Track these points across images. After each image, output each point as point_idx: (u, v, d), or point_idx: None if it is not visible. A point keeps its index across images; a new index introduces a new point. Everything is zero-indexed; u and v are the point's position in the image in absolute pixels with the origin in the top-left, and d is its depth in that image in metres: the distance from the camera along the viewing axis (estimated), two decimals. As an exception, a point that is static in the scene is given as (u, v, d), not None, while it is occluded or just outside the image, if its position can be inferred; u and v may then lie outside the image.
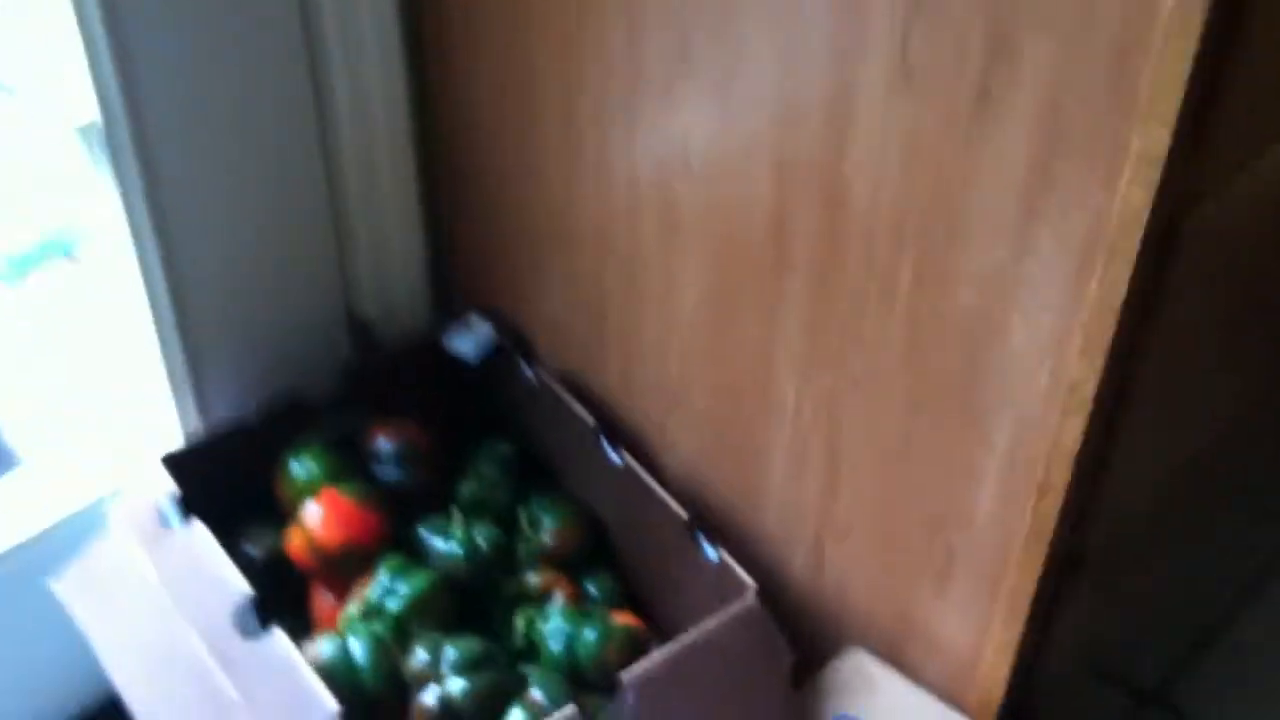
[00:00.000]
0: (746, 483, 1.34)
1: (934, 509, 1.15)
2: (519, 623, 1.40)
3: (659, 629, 1.40)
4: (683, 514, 1.32)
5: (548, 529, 1.45)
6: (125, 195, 1.29)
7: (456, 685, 1.21)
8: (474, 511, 1.48)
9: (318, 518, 1.35)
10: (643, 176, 1.25)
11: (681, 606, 1.38)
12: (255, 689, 1.18)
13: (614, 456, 1.40)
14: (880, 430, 1.16)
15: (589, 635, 1.31)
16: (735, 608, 1.22)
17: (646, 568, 1.42)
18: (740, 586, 1.26)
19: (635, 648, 1.31)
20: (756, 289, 1.20)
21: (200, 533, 1.28)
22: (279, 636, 1.19)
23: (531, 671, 1.34)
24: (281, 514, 1.43)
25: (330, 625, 1.38)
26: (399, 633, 1.29)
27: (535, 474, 1.54)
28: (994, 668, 1.18)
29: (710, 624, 1.21)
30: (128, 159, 1.26)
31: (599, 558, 1.47)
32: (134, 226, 1.31)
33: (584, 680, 1.32)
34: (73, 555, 1.34)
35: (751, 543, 1.37)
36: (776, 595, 1.30)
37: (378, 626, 1.28)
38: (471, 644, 1.24)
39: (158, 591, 1.27)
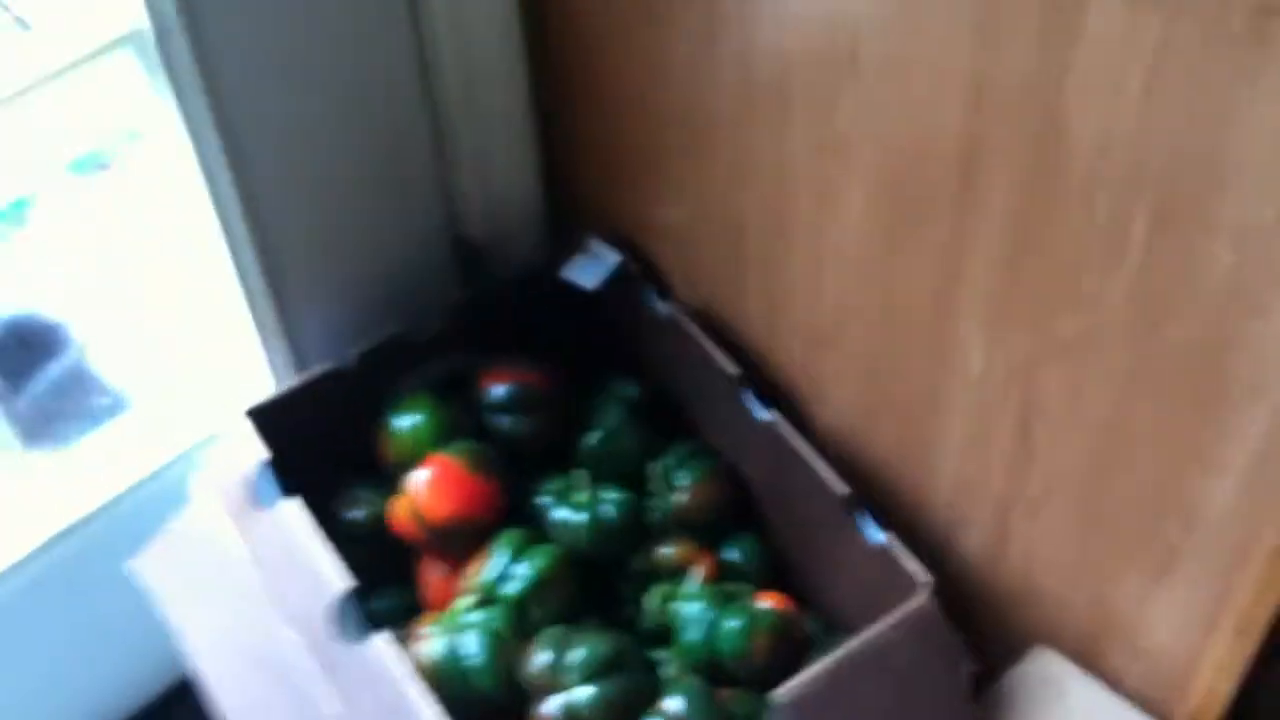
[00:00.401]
0: (913, 445, 1.14)
1: (1154, 497, 0.94)
2: (652, 602, 1.23)
3: (811, 608, 1.22)
4: (841, 488, 1.13)
5: (684, 485, 1.26)
6: (187, 114, 1.11)
7: (583, 695, 1.05)
8: (598, 466, 1.30)
9: (425, 487, 1.19)
10: (795, 75, 1.03)
11: (837, 588, 1.20)
12: (355, 699, 1.04)
13: (759, 411, 1.21)
14: (1091, 403, 0.95)
15: (732, 623, 1.14)
16: (906, 608, 1.03)
17: (796, 539, 1.24)
18: (909, 580, 1.07)
19: (784, 636, 1.14)
20: (935, 224, 0.98)
21: (297, 514, 1.13)
22: (381, 642, 1.04)
23: (669, 675, 1.18)
24: (384, 472, 1.28)
25: (442, 601, 1.23)
26: (518, 621, 1.13)
27: (667, 421, 1.35)
28: (1212, 686, 0.98)
29: (876, 628, 1.02)
30: (186, 69, 1.08)
31: (742, 522, 1.29)
32: (199, 148, 1.13)
33: (725, 672, 1.15)
34: (151, 523, 1.21)
35: (916, 511, 1.18)
36: (947, 578, 1.10)
37: (494, 618, 1.13)
38: (601, 643, 1.07)
39: (249, 577, 1.13)
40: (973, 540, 1.14)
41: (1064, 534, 1.04)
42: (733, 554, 1.28)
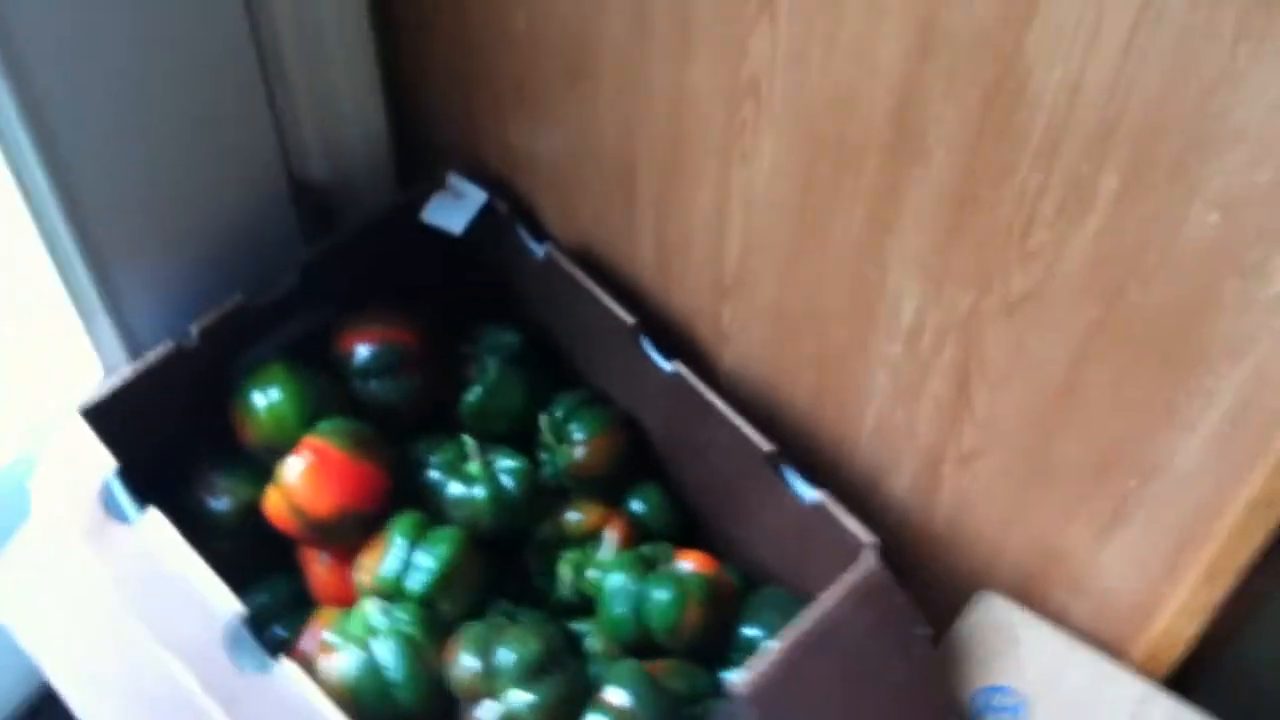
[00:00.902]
0: (830, 395, 1.07)
1: (1109, 452, 0.90)
2: (565, 572, 1.15)
3: (728, 559, 1.16)
4: (764, 444, 1.05)
5: (580, 439, 1.17)
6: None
7: (520, 700, 0.97)
8: (481, 424, 1.20)
9: (302, 479, 1.07)
10: (700, 4, 0.91)
11: (761, 544, 1.14)
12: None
13: (661, 362, 1.12)
14: (1039, 361, 0.89)
15: (660, 595, 1.07)
16: (854, 576, 0.98)
17: (708, 493, 1.17)
18: (849, 540, 1.01)
19: (715, 603, 1.08)
20: (863, 173, 0.89)
21: (162, 528, 0.99)
22: (289, 668, 0.94)
23: (593, 649, 1.11)
24: (244, 454, 1.15)
25: (332, 593, 1.12)
26: (429, 620, 1.04)
27: (550, 371, 1.25)
28: (1170, 628, 0.96)
29: (826, 602, 0.96)
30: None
31: (642, 474, 1.21)
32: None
33: (654, 644, 1.09)
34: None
35: (834, 462, 1.12)
36: (870, 526, 1.05)
37: (404, 621, 1.03)
38: (530, 641, 0.99)
39: (113, 604, 1.00)
40: (896, 489, 1.09)
41: (1000, 485, 1.00)
42: (638, 506, 1.20)
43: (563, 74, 1.07)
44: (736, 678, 0.93)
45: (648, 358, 1.12)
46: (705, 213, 1.04)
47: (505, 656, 0.99)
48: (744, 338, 1.11)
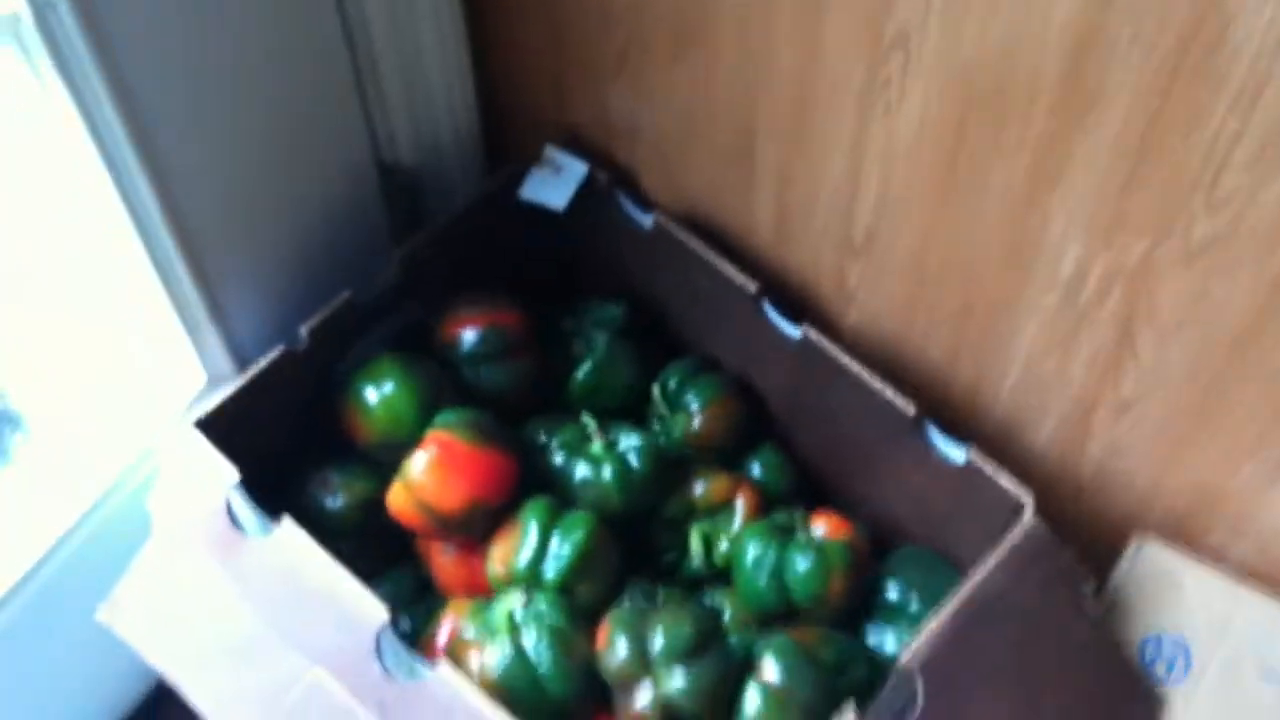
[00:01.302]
0: (969, 350, 1.04)
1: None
2: (695, 544, 1.12)
3: (861, 523, 1.13)
4: (906, 407, 1.02)
5: (695, 408, 1.14)
6: (76, 92, 0.87)
7: (675, 684, 0.94)
8: (592, 400, 1.17)
9: (429, 474, 1.03)
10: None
11: (898, 504, 1.11)
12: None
13: (787, 327, 1.08)
14: (1219, 307, 0.86)
15: (803, 565, 1.04)
16: (1014, 538, 0.95)
17: (837, 456, 1.14)
18: (1001, 499, 0.98)
19: (857, 569, 1.05)
20: (1028, 123, 0.85)
21: (297, 538, 0.96)
22: (444, 670, 0.90)
23: (731, 622, 1.08)
24: (358, 450, 1.11)
25: (459, 584, 1.09)
26: (571, 609, 1.00)
27: (655, 342, 1.21)
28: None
29: (988, 566, 0.94)
30: (71, 43, 0.84)
31: (756, 439, 1.18)
32: (94, 127, 0.89)
33: (796, 613, 1.06)
34: (108, 558, 1.02)
35: (970, 413, 1.09)
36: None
37: (549, 613, 0.99)
38: (682, 623, 0.96)
39: (246, 619, 0.96)
40: (1037, 441, 1.06)
41: (1160, 431, 0.98)
42: (757, 471, 1.17)
43: (672, 41, 1.02)
44: (903, 651, 0.91)
45: (770, 323, 1.09)
46: (835, 172, 1.00)
47: (659, 640, 0.96)
48: (872, 296, 1.07)
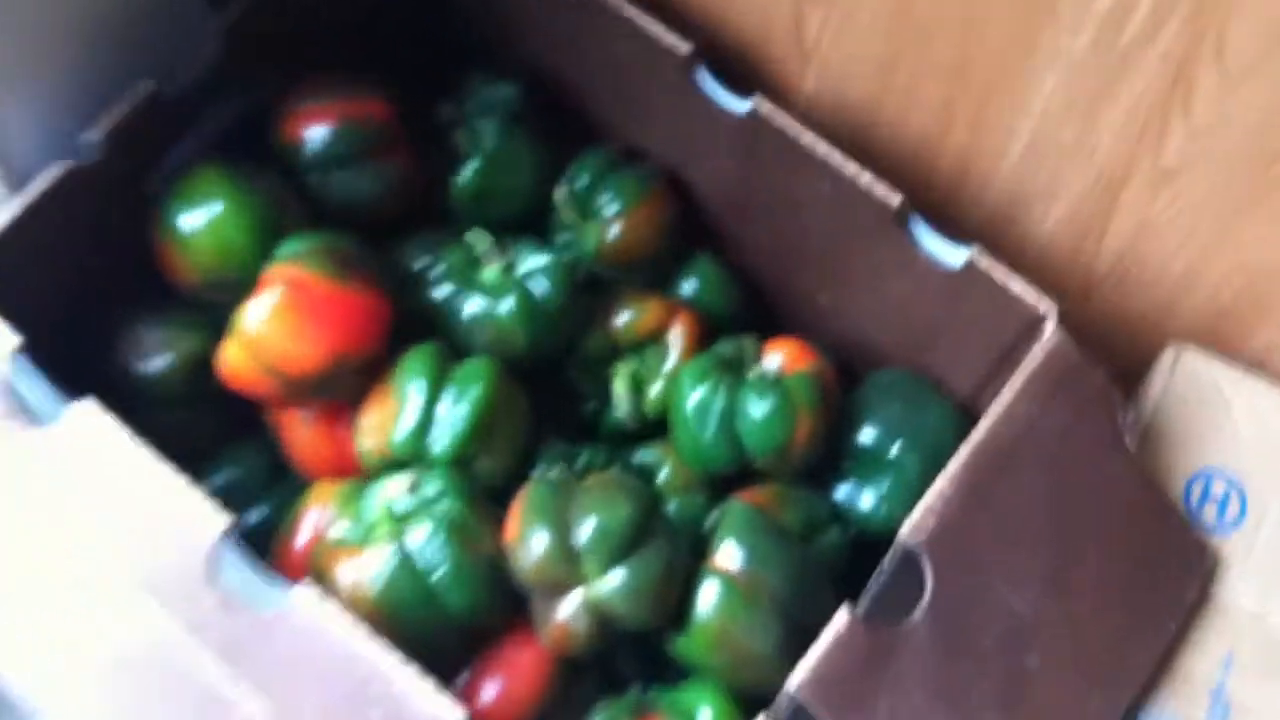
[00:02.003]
0: (961, 110, 0.80)
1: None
2: (620, 388, 0.89)
3: (824, 347, 0.91)
4: (891, 196, 0.79)
5: (613, 214, 0.90)
6: None
7: (610, 581, 0.73)
8: (480, 209, 0.92)
9: (274, 323, 0.77)
10: None
11: (869, 315, 0.89)
12: (279, 686, 0.68)
13: (731, 101, 0.83)
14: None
15: (760, 409, 0.81)
16: (1037, 359, 0.73)
17: (792, 260, 0.90)
18: (1017, 311, 0.76)
19: (827, 408, 0.83)
20: None
21: (96, 422, 0.71)
22: (300, 595, 0.68)
23: (667, 483, 0.87)
24: (178, 294, 0.86)
25: (325, 465, 0.86)
26: (470, 490, 0.78)
27: (563, 131, 0.96)
28: None
29: (1007, 400, 0.72)
30: None
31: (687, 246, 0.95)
32: None
33: (751, 469, 0.85)
34: None
35: (951, 191, 0.86)
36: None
37: (436, 495, 0.77)
38: (616, 504, 0.73)
39: (43, 537, 0.73)
40: (1041, 228, 0.84)
41: (1206, 205, 0.76)
42: (689, 288, 0.94)
43: None
44: (905, 527, 0.70)
45: (707, 96, 0.84)
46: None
47: (586, 529, 0.73)
48: (839, 52, 0.82)
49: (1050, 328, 0.75)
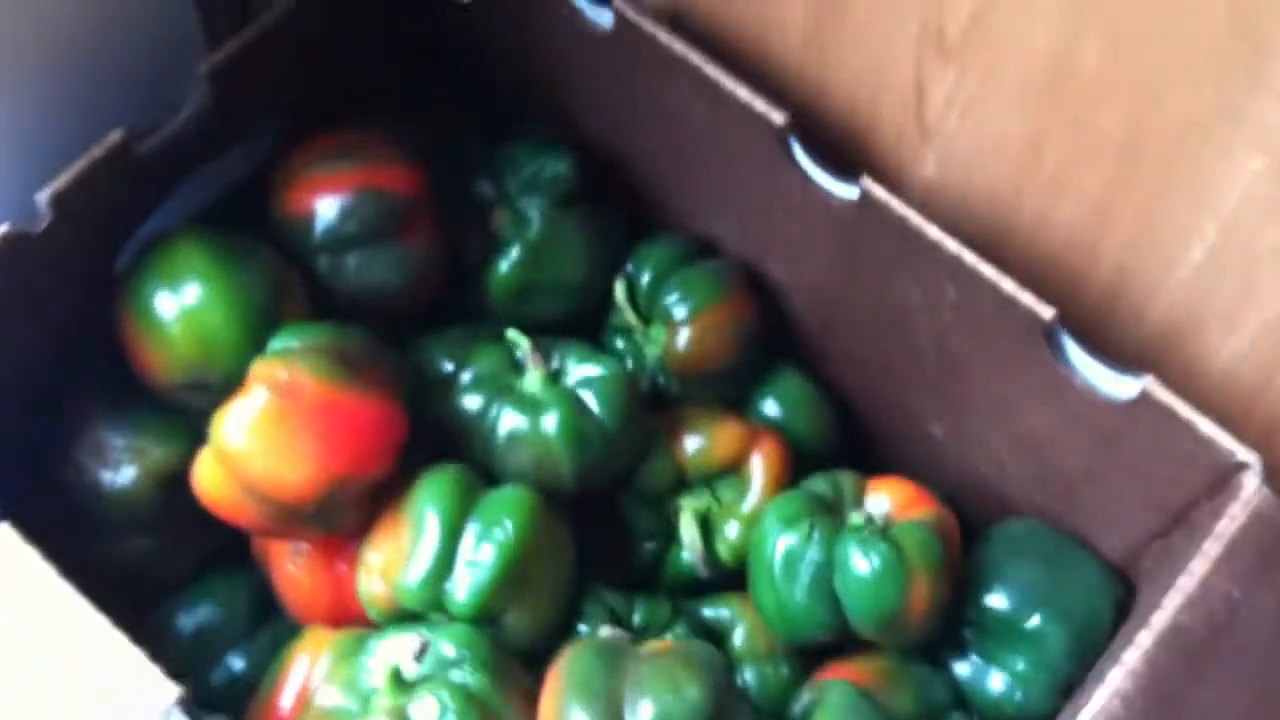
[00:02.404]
0: (1126, 200, 0.65)
1: None
2: (686, 527, 0.73)
3: (933, 486, 0.75)
4: (1041, 309, 0.63)
5: (678, 315, 0.75)
6: None
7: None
8: (520, 309, 0.77)
9: (256, 436, 0.62)
10: None
11: (998, 452, 0.72)
12: None
13: (832, 184, 0.68)
14: None
15: (862, 564, 0.65)
16: (1236, 522, 0.57)
17: (900, 378, 0.74)
18: (1198, 455, 0.60)
19: (947, 569, 0.66)
20: None
21: (24, 561, 0.55)
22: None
23: (741, 650, 0.70)
24: (151, 395, 0.70)
25: (320, 608, 0.69)
26: (496, 656, 0.61)
27: (624, 215, 0.81)
28: None
29: (1199, 573, 0.56)
30: None
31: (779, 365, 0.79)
32: None
33: (847, 636, 0.68)
34: None
35: (1105, 306, 0.70)
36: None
37: (455, 659, 0.60)
38: (681, 685, 0.56)
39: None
40: (1221, 355, 0.67)
41: None
42: (771, 409, 0.78)
43: None
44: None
45: (802, 176, 0.68)
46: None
47: (648, 716, 0.57)
48: (969, 129, 0.67)
49: (1253, 482, 0.58)
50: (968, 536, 0.73)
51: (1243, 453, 0.59)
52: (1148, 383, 0.61)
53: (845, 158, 0.71)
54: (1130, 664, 0.54)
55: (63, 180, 0.64)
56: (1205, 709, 0.54)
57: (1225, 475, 0.60)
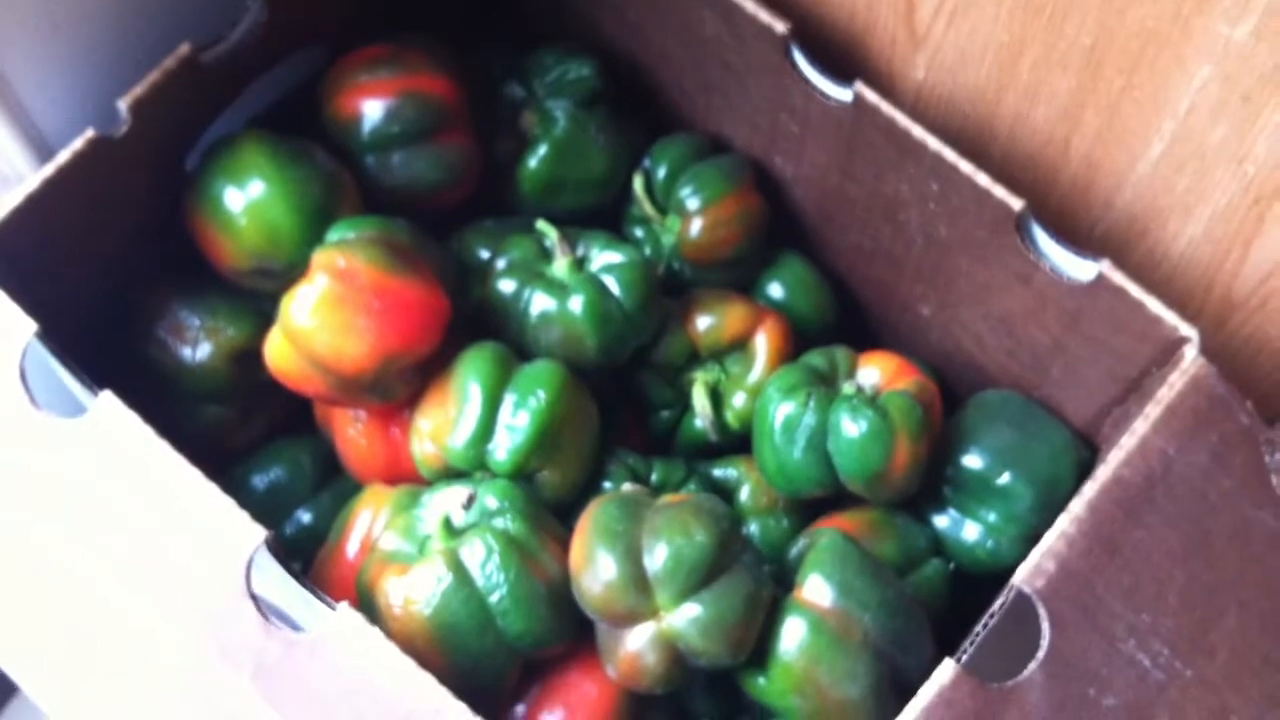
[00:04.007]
0: (1093, 105, 0.72)
1: None
2: (700, 400, 0.81)
3: (922, 360, 0.83)
4: (1011, 200, 0.70)
5: (692, 206, 0.82)
6: None
7: (686, 618, 0.65)
8: (548, 201, 0.85)
9: (320, 317, 0.70)
10: None
11: (978, 330, 0.80)
12: (311, 712, 0.62)
13: (831, 86, 0.75)
14: None
15: (851, 427, 0.73)
16: (1176, 389, 0.65)
17: (891, 260, 0.82)
18: (1149, 334, 0.68)
19: (928, 431, 0.75)
20: None
21: (122, 421, 0.64)
22: (344, 618, 0.61)
23: (747, 505, 0.79)
24: (223, 280, 0.79)
25: (378, 467, 0.79)
26: (532, 507, 0.71)
27: (641, 115, 0.88)
28: None
29: (1140, 433, 0.64)
30: None
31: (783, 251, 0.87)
32: None
33: (842, 491, 0.77)
34: None
35: (1078, 195, 0.78)
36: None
37: (496, 511, 0.70)
38: (692, 531, 0.66)
39: (63, 543, 0.66)
40: (1179, 242, 0.75)
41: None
42: (776, 291, 0.86)
43: None
44: (1022, 570, 0.62)
45: (803, 80, 0.76)
46: None
47: (662, 557, 0.66)
48: (954, 37, 0.74)
49: (1192, 354, 0.66)
50: (952, 405, 0.81)
51: (1185, 328, 0.67)
52: (1104, 266, 0.69)
53: (843, 62, 0.79)
54: (1075, 511, 0.63)
55: (139, 89, 0.72)
56: (1138, 546, 0.63)
57: (1170, 348, 0.68)
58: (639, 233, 0.86)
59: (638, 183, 0.84)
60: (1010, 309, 0.76)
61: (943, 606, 0.76)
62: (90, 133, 0.71)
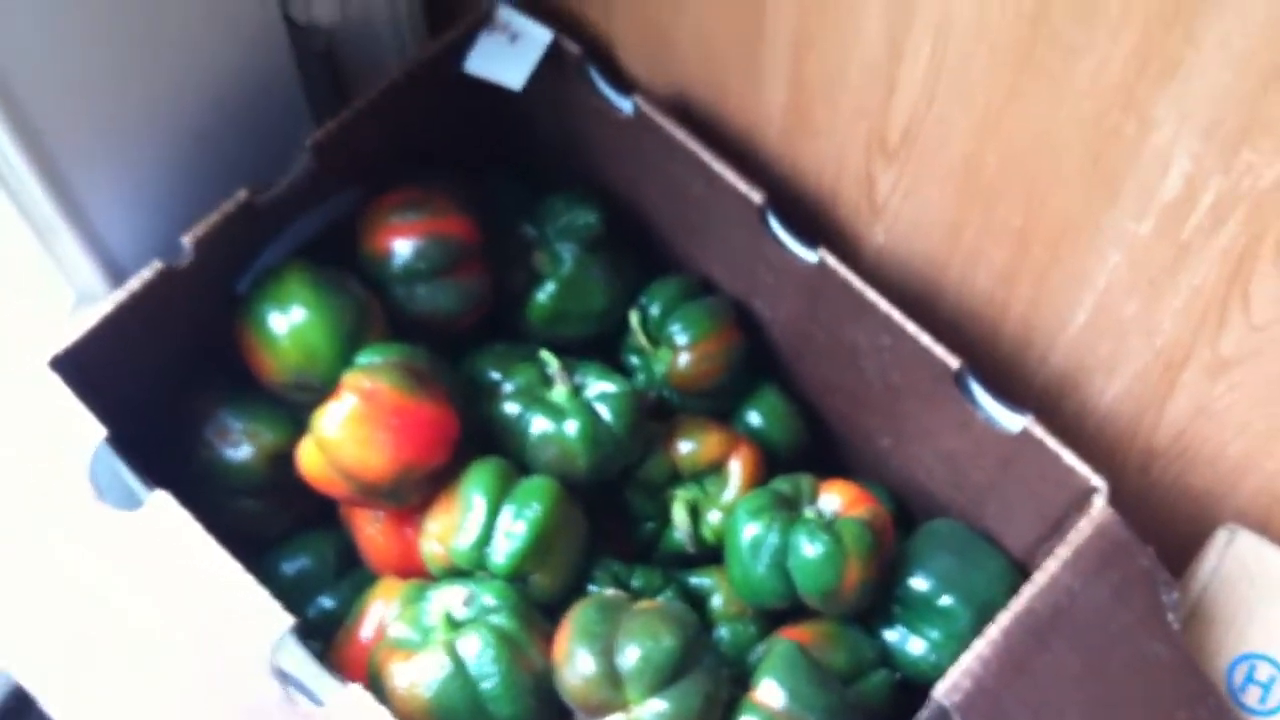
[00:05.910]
0: (1026, 277, 0.82)
1: None
2: (680, 515, 0.92)
3: (882, 488, 0.93)
4: (950, 359, 0.80)
5: (680, 341, 0.93)
6: None
7: (651, 710, 0.75)
8: (554, 327, 0.96)
9: (347, 431, 0.81)
10: None
11: (925, 466, 0.90)
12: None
13: (800, 250, 0.86)
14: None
15: (812, 552, 0.83)
16: (1085, 533, 0.74)
17: (854, 404, 0.92)
18: (1066, 482, 0.78)
19: (878, 556, 0.84)
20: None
21: (174, 517, 0.75)
22: (355, 695, 0.71)
23: (718, 610, 0.89)
24: (264, 390, 0.90)
25: (393, 562, 0.89)
26: (523, 606, 0.81)
27: (639, 259, 0.99)
28: None
29: (1052, 571, 0.74)
30: None
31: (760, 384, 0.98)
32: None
33: (800, 605, 0.86)
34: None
35: (1014, 354, 0.88)
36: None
37: (492, 609, 0.80)
38: (660, 635, 0.75)
39: (116, 620, 0.76)
40: (1102, 398, 0.85)
41: (1265, 398, 0.76)
42: (755, 419, 0.96)
43: None
44: (941, 686, 0.71)
45: (777, 242, 0.86)
46: (870, 42, 0.76)
47: (633, 657, 0.76)
48: (908, 211, 0.85)
49: (1100, 503, 0.76)
50: (909, 528, 0.91)
51: (1095, 480, 0.77)
52: (1028, 421, 0.79)
53: (813, 225, 0.89)
54: (990, 636, 0.72)
55: (200, 228, 0.84)
56: (1045, 669, 0.72)
57: (1083, 496, 0.77)
58: (634, 360, 0.97)
59: (633, 318, 0.95)
60: (954, 449, 0.86)
61: (887, 712, 0.85)
62: (158, 264, 0.83)
